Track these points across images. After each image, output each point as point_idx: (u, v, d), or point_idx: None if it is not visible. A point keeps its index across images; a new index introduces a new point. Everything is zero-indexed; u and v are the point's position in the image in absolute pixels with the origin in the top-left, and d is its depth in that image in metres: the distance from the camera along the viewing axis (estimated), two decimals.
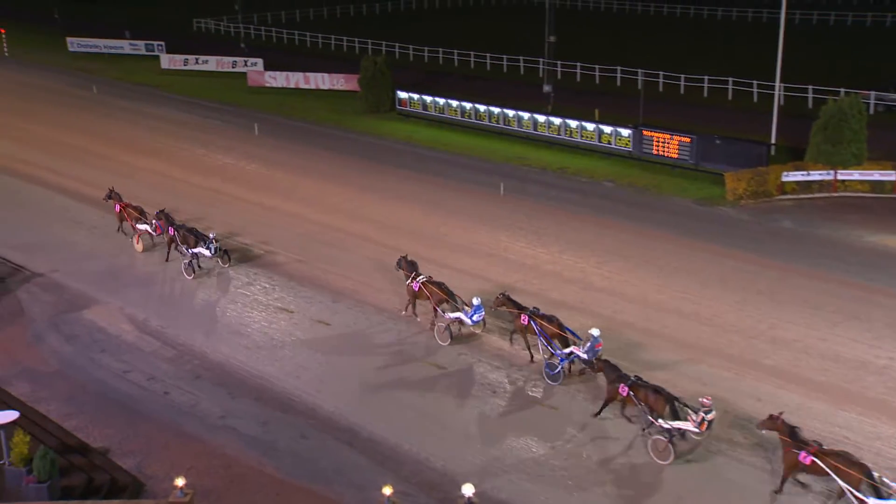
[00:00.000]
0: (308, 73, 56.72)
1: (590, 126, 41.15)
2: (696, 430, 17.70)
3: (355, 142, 44.86)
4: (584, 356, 20.46)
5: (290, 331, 24.57)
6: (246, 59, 62.83)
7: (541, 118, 43.14)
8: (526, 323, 21.63)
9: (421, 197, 35.58)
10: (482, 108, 45.38)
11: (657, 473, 17.85)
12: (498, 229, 31.79)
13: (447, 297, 23.07)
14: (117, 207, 30.81)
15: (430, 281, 23.61)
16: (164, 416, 20.41)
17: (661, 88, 53.12)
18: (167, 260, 28.69)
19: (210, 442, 19.40)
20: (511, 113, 44.22)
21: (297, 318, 25.27)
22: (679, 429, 17.82)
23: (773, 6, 59.72)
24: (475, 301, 22.49)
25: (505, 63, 61.77)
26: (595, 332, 20.60)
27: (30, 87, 58.83)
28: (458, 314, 22.69)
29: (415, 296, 24.03)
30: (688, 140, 37.80)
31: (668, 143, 38.35)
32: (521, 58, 60.90)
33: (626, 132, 39.80)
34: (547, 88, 48.67)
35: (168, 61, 64.01)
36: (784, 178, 34.62)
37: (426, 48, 66.35)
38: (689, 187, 36.22)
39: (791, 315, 24.69)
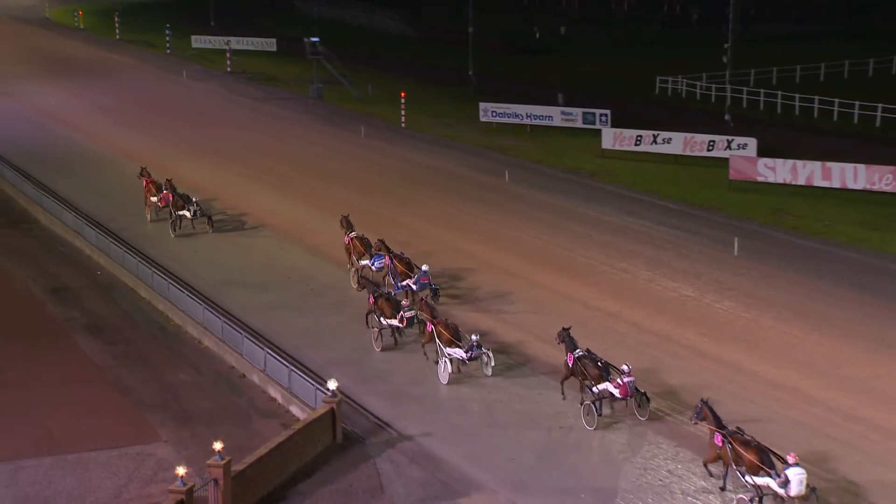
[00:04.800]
0: (828, 164, 56.35)
1: None
2: (399, 324, 36.39)
3: None
4: (414, 287, 39.87)
5: None
6: (730, 137, 64.22)
7: None
8: (387, 262, 41.69)
9: None
10: None
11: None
12: None
13: (365, 249, 43.39)
14: (144, 183, 54.12)
15: (357, 237, 44.04)
16: None
17: None
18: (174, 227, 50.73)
19: None
20: None
21: None
22: (390, 324, 36.91)
23: None
24: (379, 256, 42.64)
25: None
26: (424, 267, 40.22)
27: (422, 168, 65.64)
28: (365, 262, 43.02)
29: (347, 249, 44.52)
30: None
31: None
32: None
33: None
34: None
35: (612, 138, 67.67)
36: None
37: None
38: None
39: None
